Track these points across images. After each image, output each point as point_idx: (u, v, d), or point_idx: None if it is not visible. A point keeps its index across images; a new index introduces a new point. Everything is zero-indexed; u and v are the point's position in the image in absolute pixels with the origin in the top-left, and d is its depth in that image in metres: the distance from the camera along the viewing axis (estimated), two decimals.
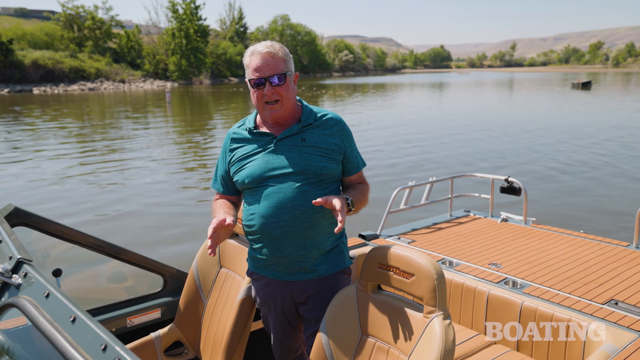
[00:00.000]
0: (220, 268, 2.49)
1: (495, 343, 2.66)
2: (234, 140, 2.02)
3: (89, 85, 53.06)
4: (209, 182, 2.28)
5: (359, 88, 52.30)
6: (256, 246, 1.98)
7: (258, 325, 2.70)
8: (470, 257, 3.22)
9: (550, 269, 2.98)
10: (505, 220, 4.04)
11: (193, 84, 64.43)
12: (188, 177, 10.81)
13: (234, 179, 2.00)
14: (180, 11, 68.19)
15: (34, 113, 25.71)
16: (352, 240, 3.41)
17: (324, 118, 1.98)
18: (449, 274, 2.94)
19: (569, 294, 2.64)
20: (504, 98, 36.48)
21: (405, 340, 1.70)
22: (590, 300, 2.56)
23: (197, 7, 69.12)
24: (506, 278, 2.86)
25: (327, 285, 1.99)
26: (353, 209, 1.90)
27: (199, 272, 2.52)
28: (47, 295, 1.23)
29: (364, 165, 2.08)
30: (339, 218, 1.75)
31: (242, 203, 2.06)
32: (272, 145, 1.93)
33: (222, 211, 1.94)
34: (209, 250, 1.70)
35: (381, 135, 16.56)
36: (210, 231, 1.72)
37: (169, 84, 61.14)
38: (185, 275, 2.69)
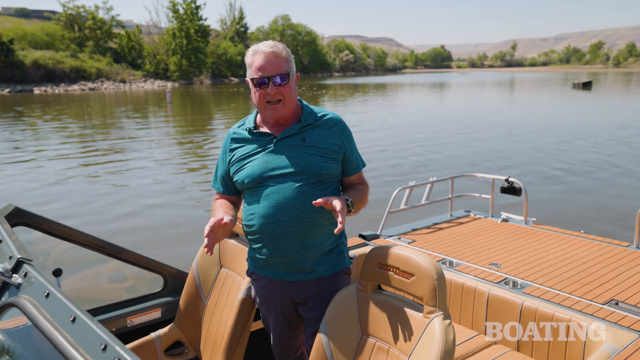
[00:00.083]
0: (221, 268, 2.49)
1: (495, 343, 2.66)
2: (234, 140, 2.02)
3: (90, 85, 53.10)
4: (210, 183, 2.29)
5: (359, 88, 52.30)
6: (256, 246, 1.98)
7: (258, 325, 2.70)
8: (470, 257, 3.21)
9: (550, 269, 2.98)
10: (505, 220, 4.04)
11: (194, 84, 64.45)
12: (189, 177, 10.81)
13: (234, 179, 2.00)
14: (181, 11, 68.27)
15: (35, 113, 25.74)
16: (352, 240, 3.41)
17: (324, 118, 1.98)
18: (449, 274, 2.94)
19: (569, 294, 2.64)
20: (505, 98, 36.47)
21: (405, 341, 1.70)
22: (590, 300, 2.56)
23: (197, 7, 69.17)
24: (506, 278, 2.86)
25: (326, 286, 1.99)
26: (353, 210, 1.90)
27: (199, 272, 2.52)
28: (47, 295, 1.23)
29: (364, 165, 2.08)
30: (339, 219, 1.75)
31: (242, 203, 2.06)
32: (272, 145, 1.93)
33: (221, 211, 1.94)
34: (206, 249, 1.70)
35: (384, 135, 16.56)
36: (207, 230, 1.72)
37: (169, 84, 61.18)
38: (185, 275, 2.69)
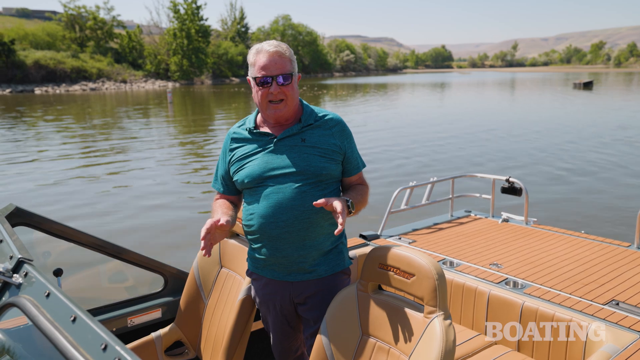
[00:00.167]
0: (221, 268, 2.49)
1: (495, 343, 2.66)
2: (234, 140, 2.02)
3: (91, 85, 53.15)
4: (210, 184, 2.29)
5: (360, 88, 52.30)
6: (255, 246, 1.98)
7: (258, 325, 2.70)
8: (471, 258, 3.21)
9: (551, 270, 2.98)
10: (506, 220, 4.04)
11: (194, 84, 64.48)
12: (189, 178, 10.82)
13: (234, 179, 2.00)
14: (182, 11, 68.36)
15: (37, 113, 25.76)
16: (352, 241, 3.41)
17: (325, 118, 1.98)
18: (449, 274, 2.94)
19: (569, 294, 2.63)
20: (506, 98, 36.45)
21: (406, 341, 1.70)
22: (591, 300, 2.56)
23: (198, 7, 69.24)
24: (507, 278, 2.85)
25: (326, 286, 1.99)
26: (353, 211, 1.89)
27: (200, 272, 2.52)
28: (48, 295, 1.23)
29: (364, 166, 2.08)
30: (340, 220, 1.75)
31: (242, 203, 2.06)
32: (272, 145, 1.93)
33: (220, 211, 1.94)
34: (203, 252, 1.70)
35: (386, 135, 16.55)
36: (203, 232, 1.72)
37: (170, 84, 61.21)
38: (185, 275, 2.69)
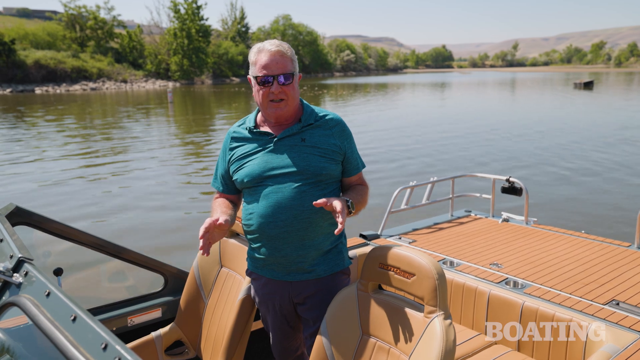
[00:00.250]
0: (221, 267, 2.49)
1: (495, 343, 2.66)
2: (234, 139, 2.02)
3: (91, 85, 53.16)
4: (210, 184, 2.29)
5: (360, 88, 52.28)
6: (255, 246, 1.98)
7: (259, 324, 2.70)
8: (471, 257, 3.21)
9: (551, 270, 2.98)
10: (506, 220, 4.04)
11: (195, 84, 64.49)
12: (190, 178, 10.81)
13: (234, 178, 2.00)
14: (182, 11, 68.36)
15: (37, 113, 25.77)
16: (352, 240, 3.41)
17: (325, 118, 1.98)
18: (449, 274, 2.94)
19: (570, 294, 2.63)
20: (507, 98, 36.44)
21: (406, 341, 1.70)
22: (591, 300, 2.56)
23: (198, 7, 69.25)
24: (507, 278, 2.85)
25: (325, 286, 1.98)
26: (353, 211, 1.89)
27: (200, 271, 2.52)
28: (48, 294, 1.23)
29: (364, 166, 2.08)
30: (340, 220, 1.75)
31: (242, 202, 2.06)
32: (272, 144, 1.93)
33: (219, 210, 1.94)
34: (202, 251, 1.70)
35: (389, 135, 16.53)
36: (201, 231, 1.71)
37: (170, 84, 61.21)
38: (186, 274, 2.69)
